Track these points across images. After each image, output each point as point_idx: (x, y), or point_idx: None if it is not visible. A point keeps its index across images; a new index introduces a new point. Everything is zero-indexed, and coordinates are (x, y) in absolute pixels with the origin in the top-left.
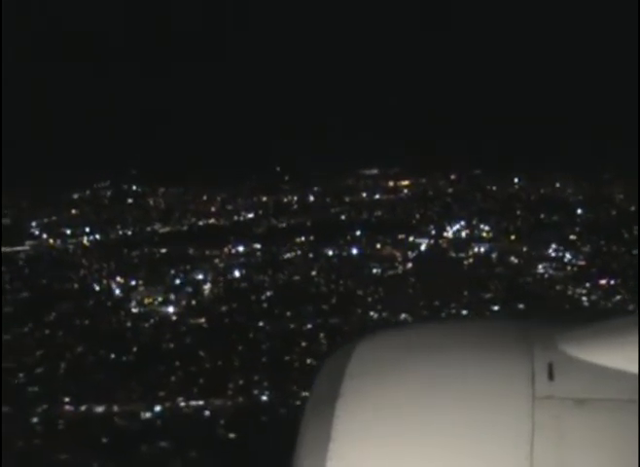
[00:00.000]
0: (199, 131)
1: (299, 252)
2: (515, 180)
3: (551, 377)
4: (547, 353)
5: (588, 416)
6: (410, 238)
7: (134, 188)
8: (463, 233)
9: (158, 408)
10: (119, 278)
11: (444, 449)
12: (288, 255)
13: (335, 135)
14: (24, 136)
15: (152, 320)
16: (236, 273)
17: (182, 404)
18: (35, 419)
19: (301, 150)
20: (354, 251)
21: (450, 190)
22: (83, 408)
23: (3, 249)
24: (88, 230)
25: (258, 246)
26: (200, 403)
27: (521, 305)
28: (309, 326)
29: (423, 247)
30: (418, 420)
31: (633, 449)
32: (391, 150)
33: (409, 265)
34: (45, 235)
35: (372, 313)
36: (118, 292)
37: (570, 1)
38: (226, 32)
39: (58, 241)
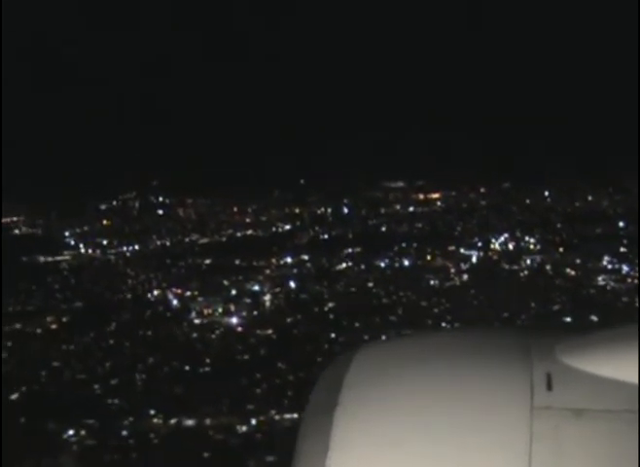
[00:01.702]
0: (220, 143)
1: (350, 263)
2: (546, 193)
3: (549, 387)
4: (545, 363)
5: (587, 427)
6: (461, 250)
7: (161, 199)
8: (510, 246)
9: (253, 421)
10: (172, 289)
11: (442, 459)
12: (339, 266)
13: (356, 149)
14: (46, 149)
15: (217, 331)
16: (292, 284)
17: (277, 417)
18: (125, 432)
19: (321, 163)
20: (406, 263)
21: (484, 202)
22: (172, 421)
23: (43, 258)
24: (123, 240)
25: (305, 257)
26: (295, 416)
27: (594, 317)
28: (384, 338)
29: (474, 259)
30: (417, 430)
31: (632, 460)
32: (413, 163)
33: (465, 276)
34: (81, 245)
35: (443, 325)
36: (175, 303)
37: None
38: (251, 37)
39: (98, 252)
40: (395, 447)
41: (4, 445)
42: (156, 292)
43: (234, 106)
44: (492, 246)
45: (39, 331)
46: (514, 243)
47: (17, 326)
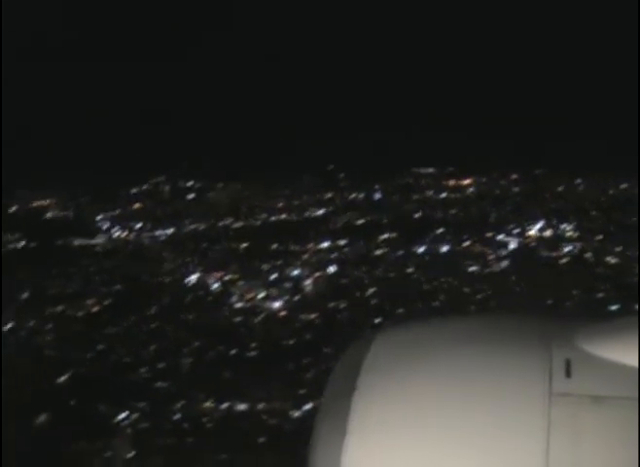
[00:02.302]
0: (247, 127)
1: (387, 249)
2: (578, 181)
3: (568, 373)
4: (565, 350)
5: (605, 414)
6: (498, 237)
7: (191, 183)
8: (547, 233)
9: (306, 406)
10: (211, 273)
11: (459, 443)
12: (377, 252)
13: (384, 135)
14: (72, 132)
15: (260, 316)
16: (331, 269)
17: None
18: (177, 416)
19: (347, 148)
20: (443, 248)
21: (516, 189)
22: (224, 405)
23: (78, 242)
24: (157, 224)
25: (342, 243)
26: None
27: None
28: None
29: (512, 245)
30: (434, 415)
31: None
32: (443, 149)
33: (505, 263)
34: (114, 229)
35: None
36: (215, 287)
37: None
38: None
39: (132, 235)
40: (412, 431)
41: (56, 426)
42: (194, 276)
43: (259, 91)
44: (529, 233)
45: (80, 314)
46: (550, 231)
47: (59, 309)
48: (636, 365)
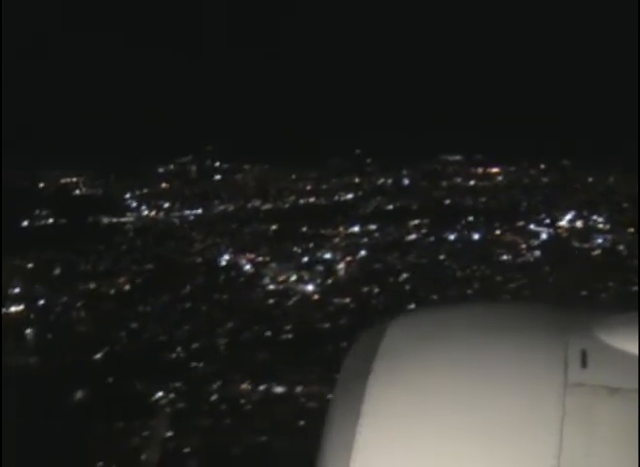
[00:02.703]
0: (273, 110)
1: (418, 235)
2: (607, 173)
3: (584, 364)
4: (581, 340)
5: (620, 405)
6: (529, 227)
7: (218, 164)
8: (578, 224)
9: None
10: (242, 254)
11: (473, 429)
12: (409, 238)
13: (409, 120)
14: (97, 110)
15: (294, 298)
16: (363, 254)
17: None
18: (215, 397)
19: (375, 133)
20: (475, 236)
21: (545, 179)
22: (261, 388)
23: (107, 219)
24: (185, 204)
25: (373, 227)
26: None
27: None
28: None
29: (544, 236)
30: (448, 400)
31: None
32: (470, 137)
33: (537, 253)
34: (143, 208)
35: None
36: (247, 268)
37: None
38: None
39: (161, 214)
40: (425, 416)
41: (94, 405)
42: (226, 257)
43: (287, 74)
44: (560, 224)
45: (112, 292)
46: (582, 222)
47: (91, 286)
48: None
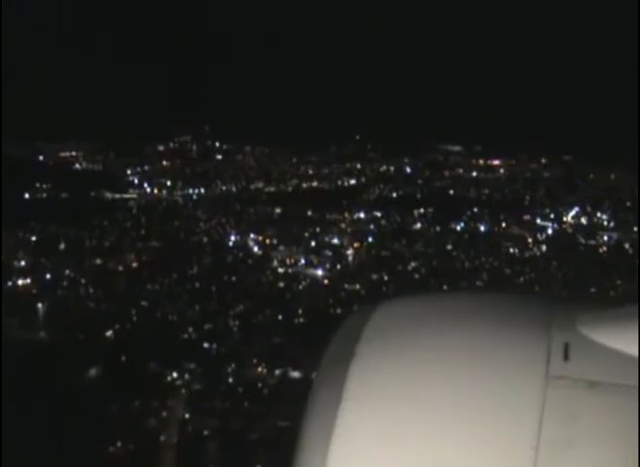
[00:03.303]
0: (272, 92)
1: (424, 224)
2: (609, 169)
3: (566, 357)
4: (564, 333)
5: (600, 399)
6: (536, 220)
7: (217, 144)
8: (583, 220)
9: None
10: (249, 235)
11: (452, 416)
12: (415, 226)
13: (409, 108)
14: (96, 87)
15: (304, 282)
16: (370, 240)
17: None
18: (231, 380)
19: (375, 120)
20: (482, 228)
21: (547, 174)
22: (278, 371)
23: (110, 195)
24: (188, 183)
25: (378, 214)
26: None
27: None
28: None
29: (550, 231)
30: (429, 386)
31: None
32: (466, 129)
33: (544, 247)
34: (145, 185)
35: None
36: (255, 250)
37: None
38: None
39: (164, 192)
40: (406, 401)
41: (108, 383)
42: (233, 237)
43: (289, 58)
44: (565, 219)
45: (120, 268)
46: (586, 218)
47: (98, 262)
48: (634, 353)
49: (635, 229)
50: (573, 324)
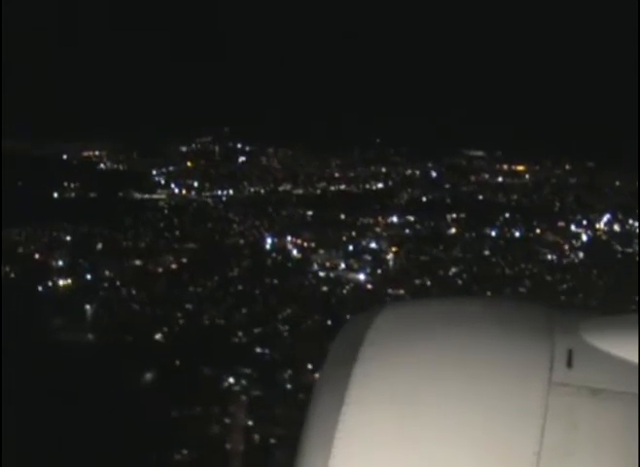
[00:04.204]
0: (295, 94)
1: (459, 229)
2: (634, 177)
3: (569, 364)
4: (568, 340)
5: (602, 407)
6: (570, 227)
7: (240, 146)
8: (616, 227)
9: None
10: (286, 238)
11: (455, 423)
12: (450, 231)
13: (431, 113)
14: (116, 88)
15: (347, 286)
16: (408, 245)
17: None
18: (289, 386)
19: (395, 124)
20: (516, 234)
21: (573, 180)
22: None
23: (139, 195)
24: (215, 184)
25: (411, 218)
26: None
27: None
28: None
29: (585, 238)
30: (432, 392)
31: None
32: (487, 134)
33: (581, 254)
34: (173, 185)
35: (576, 302)
36: (294, 253)
37: None
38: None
39: (192, 193)
40: (409, 406)
41: (165, 388)
42: (269, 240)
43: (305, 60)
44: (598, 226)
45: (160, 270)
46: (619, 225)
47: (137, 263)
48: (637, 361)
49: None
50: (576, 331)
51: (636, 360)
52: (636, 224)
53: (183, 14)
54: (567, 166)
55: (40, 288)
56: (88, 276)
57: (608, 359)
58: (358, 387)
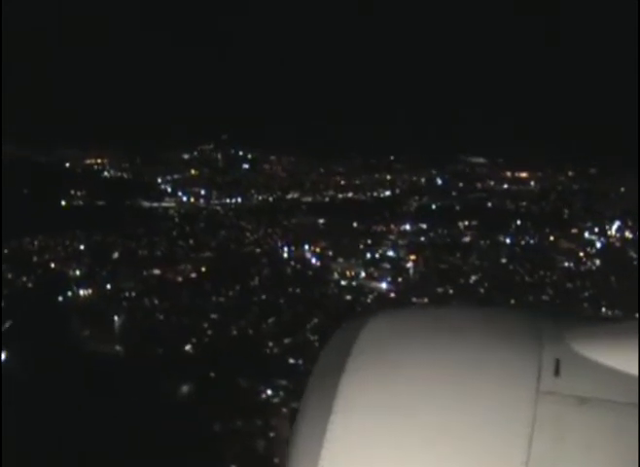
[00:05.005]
0: (293, 102)
1: (473, 237)
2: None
3: (557, 372)
4: (555, 349)
5: (589, 415)
6: (584, 234)
7: (241, 153)
8: (627, 234)
9: None
10: (302, 247)
11: (442, 431)
12: (464, 239)
13: (427, 120)
14: (118, 96)
15: (371, 296)
16: (425, 253)
17: None
18: None
19: (393, 132)
20: (531, 241)
21: (576, 187)
22: None
23: (148, 204)
24: (222, 192)
25: (423, 226)
26: None
27: None
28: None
29: (599, 244)
30: (419, 401)
31: (631, 452)
32: (486, 140)
33: (597, 261)
34: (180, 193)
35: (602, 310)
36: (313, 262)
37: None
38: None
39: (201, 201)
40: (397, 415)
41: (203, 400)
42: (285, 248)
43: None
44: (609, 233)
45: (180, 279)
46: (630, 232)
47: (155, 272)
48: (624, 369)
49: None
50: (564, 339)
51: (623, 368)
52: None
53: (185, 22)
54: (570, 173)
55: (60, 298)
56: (109, 286)
57: (595, 368)
58: (346, 396)
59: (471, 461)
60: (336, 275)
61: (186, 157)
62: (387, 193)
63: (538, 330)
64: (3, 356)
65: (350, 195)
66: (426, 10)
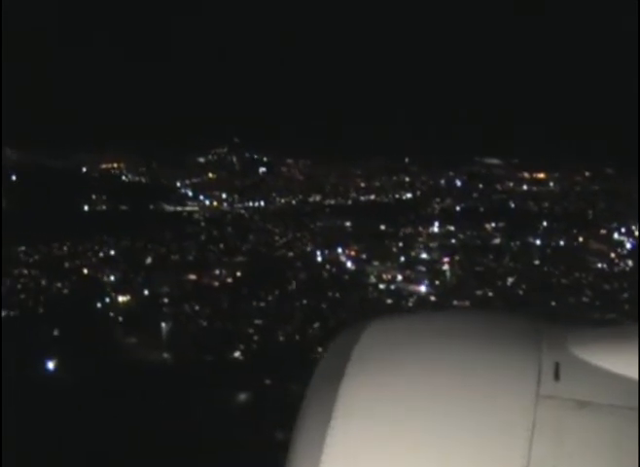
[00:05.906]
0: (309, 105)
1: (502, 239)
2: None
3: (557, 376)
4: (555, 352)
5: (589, 419)
6: (614, 235)
7: (256, 156)
8: None
9: None
10: (335, 250)
11: (442, 435)
12: (494, 241)
13: (439, 122)
14: (126, 99)
15: (411, 299)
16: (459, 255)
17: None
18: None
19: (404, 134)
20: (560, 243)
21: (596, 187)
22: None
23: (171, 208)
24: (243, 195)
25: (451, 228)
26: None
27: None
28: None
29: (629, 245)
30: (419, 406)
31: (631, 456)
32: (498, 141)
33: (630, 262)
34: (201, 197)
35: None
36: (348, 265)
37: None
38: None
39: (224, 205)
40: (397, 421)
41: (264, 411)
42: (317, 252)
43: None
44: (637, 233)
45: (216, 284)
46: None
47: (191, 277)
48: (624, 373)
49: None
50: (564, 343)
51: (623, 372)
52: None
53: (198, 24)
54: (586, 173)
55: (99, 305)
56: (146, 292)
57: (595, 372)
58: (345, 401)
59: (471, 465)
60: (373, 279)
61: (201, 160)
62: (408, 195)
63: (538, 334)
64: (51, 365)
65: (372, 197)
66: (436, 11)
